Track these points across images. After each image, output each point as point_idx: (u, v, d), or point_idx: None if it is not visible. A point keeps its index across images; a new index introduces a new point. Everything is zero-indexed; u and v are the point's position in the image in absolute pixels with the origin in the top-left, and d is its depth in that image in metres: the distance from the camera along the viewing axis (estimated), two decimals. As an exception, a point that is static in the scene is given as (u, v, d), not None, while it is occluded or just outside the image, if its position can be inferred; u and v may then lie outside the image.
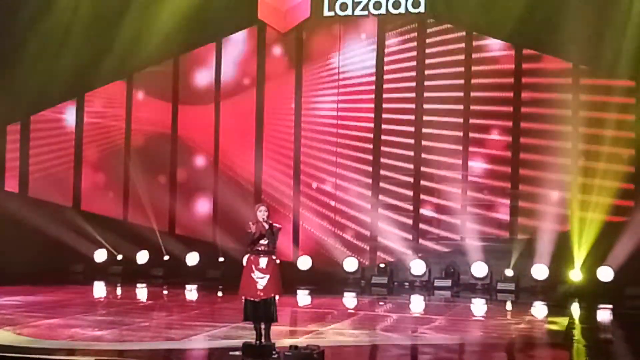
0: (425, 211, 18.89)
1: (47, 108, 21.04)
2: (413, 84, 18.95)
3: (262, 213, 9.66)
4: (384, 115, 19.12)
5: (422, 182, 18.87)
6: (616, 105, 17.50)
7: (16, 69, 19.75)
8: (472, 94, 18.53)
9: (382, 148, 19.09)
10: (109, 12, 19.94)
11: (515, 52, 18.30)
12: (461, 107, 18.54)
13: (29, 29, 19.60)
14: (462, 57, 18.56)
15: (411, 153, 18.90)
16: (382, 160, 19.09)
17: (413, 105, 18.90)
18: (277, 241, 9.76)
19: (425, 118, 18.78)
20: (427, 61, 18.80)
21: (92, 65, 19.99)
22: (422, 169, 18.85)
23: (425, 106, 18.77)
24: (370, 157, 19.19)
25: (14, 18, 19.40)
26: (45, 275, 17.93)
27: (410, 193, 18.96)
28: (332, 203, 19.35)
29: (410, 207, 18.94)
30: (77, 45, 19.89)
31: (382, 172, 19.08)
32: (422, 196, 18.90)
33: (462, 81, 18.53)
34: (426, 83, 18.81)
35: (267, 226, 9.59)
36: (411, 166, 18.90)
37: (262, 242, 9.63)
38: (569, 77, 17.96)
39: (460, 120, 18.59)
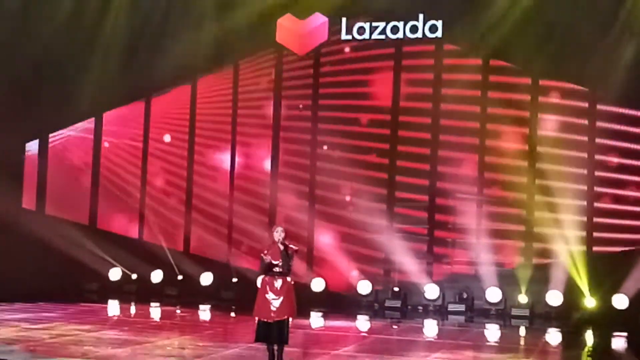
0: (440, 236, 18.94)
1: (65, 127, 21.24)
2: (429, 106, 19.03)
3: (278, 234, 9.69)
4: (400, 137, 19.21)
5: (437, 213, 18.91)
6: (631, 133, 17.56)
7: (35, 87, 19.94)
8: (489, 110, 18.57)
9: (397, 177, 19.16)
10: (127, 33, 20.13)
11: (531, 78, 18.33)
12: (477, 126, 18.62)
13: (46, 49, 19.81)
14: (479, 80, 18.63)
15: (426, 181, 18.96)
16: (397, 180, 19.14)
17: (429, 131, 18.97)
18: (292, 263, 9.80)
19: (441, 138, 18.86)
20: (444, 84, 18.89)
21: (111, 85, 20.17)
22: (437, 199, 18.90)
23: (442, 122, 18.83)
24: (386, 181, 19.25)
25: (30, 38, 19.61)
26: (60, 293, 18.01)
27: (424, 217, 18.98)
28: (347, 225, 19.43)
29: (425, 232, 18.97)
30: (96, 65, 20.09)
31: (397, 194, 19.14)
32: (436, 219, 18.94)
33: (478, 106, 18.61)
34: (442, 106, 18.87)
35: (282, 247, 9.63)
36: (426, 186, 18.96)
37: (275, 262, 9.66)
38: (585, 102, 17.98)
39: (477, 141, 18.67)
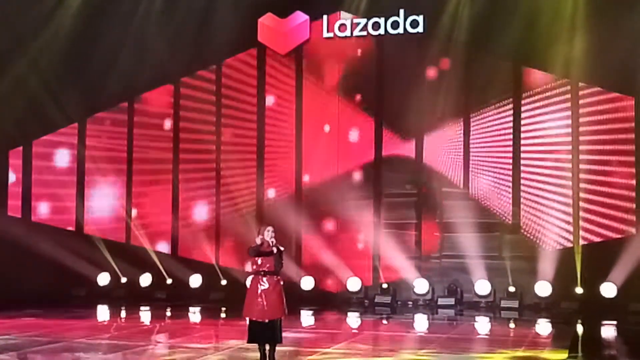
0: (428, 230, 18.99)
1: (48, 132, 21.13)
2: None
3: (269, 234, 9.72)
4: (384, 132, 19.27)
5: (424, 207, 18.96)
6: (616, 121, 17.63)
7: (17, 94, 19.82)
8: (473, 111, 18.66)
9: (384, 172, 19.20)
10: (109, 36, 20.01)
11: (514, 69, 18.39)
12: (462, 121, 18.70)
13: (29, 53, 19.70)
14: (462, 73, 18.70)
15: (414, 176, 19.00)
16: (384, 175, 19.18)
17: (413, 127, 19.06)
18: (282, 262, 9.83)
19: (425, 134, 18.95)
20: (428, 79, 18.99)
21: (93, 90, 20.09)
22: (425, 192, 18.95)
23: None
24: (372, 175, 19.30)
25: (13, 39, 19.49)
26: (48, 299, 17.94)
27: (413, 211, 19.03)
28: (334, 222, 19.47)
29: (413, 226, 19.02)
30: (78, 70, 19.99)
31: (385, 190, 19.17)
32: (425, 213, 19.01)
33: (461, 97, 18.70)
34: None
35: (275, 250, 9.65)
36: (414, 180, 19.01)
37: (261, 262, 9.66)
38: (568, 94, 18.05)
39: (461, 138, 18.74)
